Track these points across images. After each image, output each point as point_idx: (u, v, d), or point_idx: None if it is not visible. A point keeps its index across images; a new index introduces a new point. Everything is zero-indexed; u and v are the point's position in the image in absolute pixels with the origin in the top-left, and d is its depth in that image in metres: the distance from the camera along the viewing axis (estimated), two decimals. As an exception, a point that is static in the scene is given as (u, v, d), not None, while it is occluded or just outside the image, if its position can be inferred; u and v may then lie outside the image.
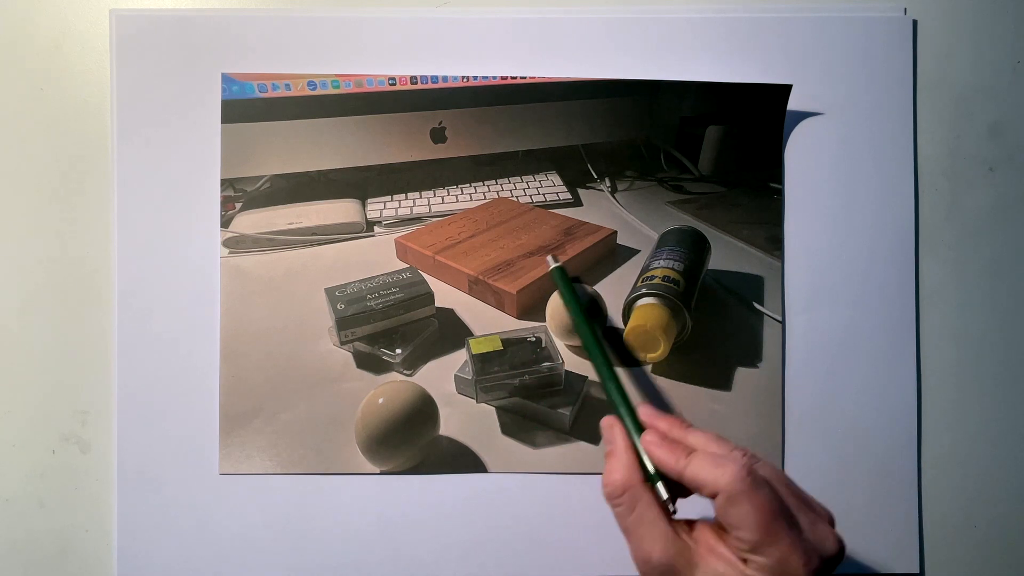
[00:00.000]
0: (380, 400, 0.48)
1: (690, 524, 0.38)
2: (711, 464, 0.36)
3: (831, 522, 0.37)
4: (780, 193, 0.53)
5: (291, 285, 0.53)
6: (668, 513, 0.38)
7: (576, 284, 0.51)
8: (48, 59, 0.52)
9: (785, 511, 0.35)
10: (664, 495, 0.38)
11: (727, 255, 0.54)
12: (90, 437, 0.51)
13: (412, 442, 0.49)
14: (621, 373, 0.45)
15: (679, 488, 0.38)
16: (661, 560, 0.36)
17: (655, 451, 0.39)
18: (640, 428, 0.41)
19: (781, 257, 0.52)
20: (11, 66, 0.52)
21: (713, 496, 0.35)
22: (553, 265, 0.50)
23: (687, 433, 0.40)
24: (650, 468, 0.39)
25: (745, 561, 0.34)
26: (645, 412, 0.42)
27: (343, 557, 0.50)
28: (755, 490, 0.34)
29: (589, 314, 0.51)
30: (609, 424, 0.42)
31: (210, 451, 0.50)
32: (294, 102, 0.52)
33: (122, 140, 0.51)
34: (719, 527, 0.36)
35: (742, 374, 0.52)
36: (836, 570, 0.35)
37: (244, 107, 0.51)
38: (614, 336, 0.52)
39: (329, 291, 0.53)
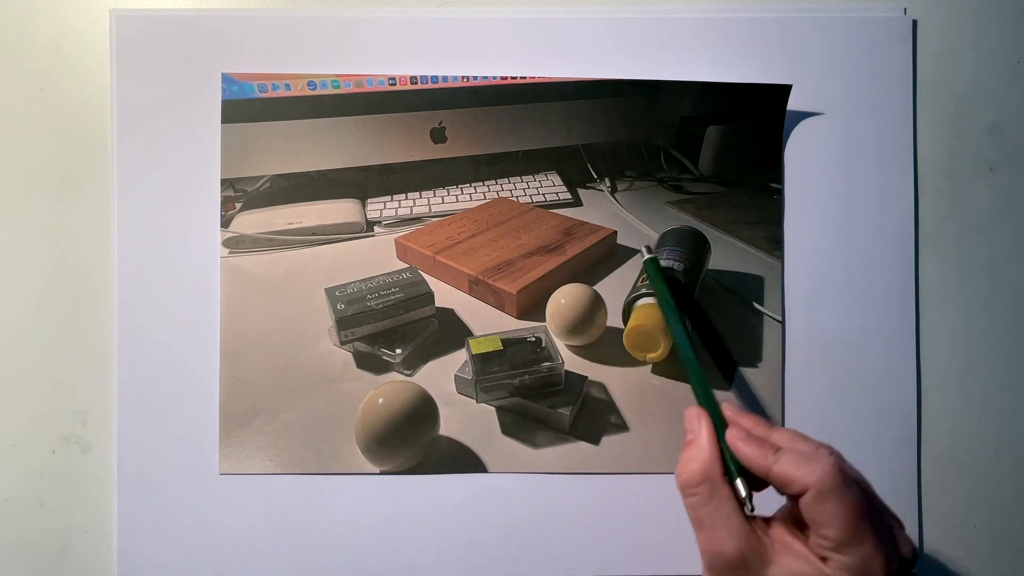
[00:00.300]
0: (380, 400, 0.48)
1: (766, 521, 0.38)
2: (801, 461, 0.36)
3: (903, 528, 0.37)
4: (780, 193, 0.53)
5: (291, 285, 0.53)
6: (744, 509, 0.38)
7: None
8: (48, 59, 0.52)
9: (872, 512, 0.35)
10: (744, 492, 0.38)
11: (727, 255, 0.54)
12: (90, 437, 0.51)
13: (412, 442, 0.49)
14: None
15: (755, 485, 0.38)
16: (734, 555, 0.36)
17: (742, 447, 0.38)
18: (722, 423, 0.41)
19: (781, 257, 0.52)
20: (11, 66, 0.52)
21: (800, 494, 0.35)
22: (647, 256, 0.50)
23: (771, 431, 0.40)
24: (731, 463, 0.39)
25: (825, 560, 0.34)
26: (730, 408, 0.42)
27: (343, 557, 0.50)
28: (846, 488, 0.34)
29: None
30: (696, 414, 0.41)
31: (210, 451, 0.50)
32: (294, 102, 0.52)
33: (122, 140, 0.51)
34: (795, 525, 0.36)
35: (742, 374, 0.52)
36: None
37: (244, 107, 0.51)
38: (616, 339, 0.52)
39: (329, 291, 0.53)
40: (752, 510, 0.38)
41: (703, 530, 0.37)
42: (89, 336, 0.51)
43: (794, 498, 0.36)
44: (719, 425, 0.41)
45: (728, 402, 0.42)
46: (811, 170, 0.53)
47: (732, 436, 0.39)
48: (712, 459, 0.39)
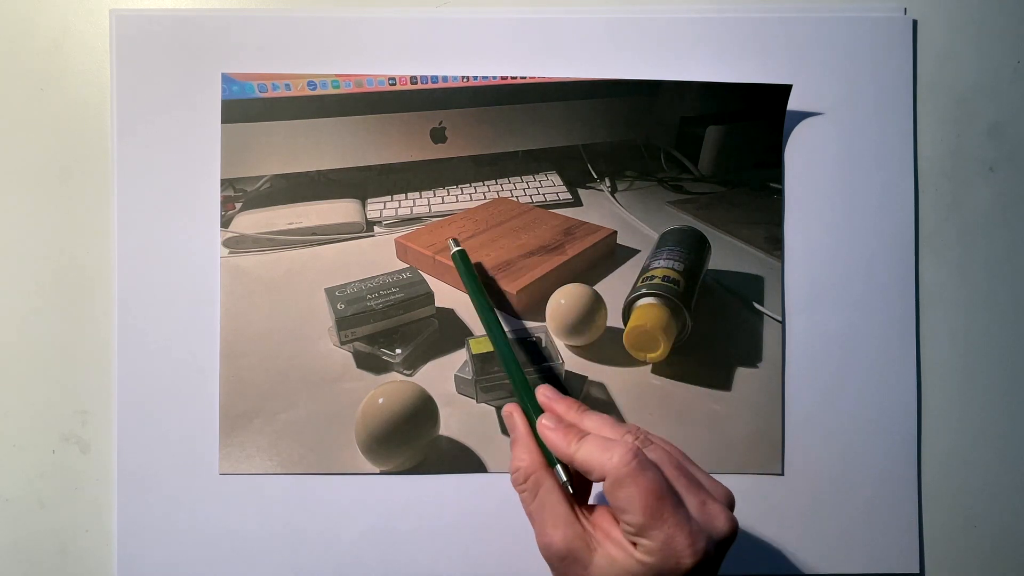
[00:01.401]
0: (380, 400, 0.48)
1: (590, 509, 0.38)
2: (600, 448, 0.36)
3: (730, 503, 0.37)
4: (780, 193, 0.53)
5: (291, 285, 0.53)
6: (571, 497, 0.38)
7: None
8: (48, 59, 0.52)
9: (671, 492, 0.35)
10: (563, 478, 0.38)
11: (727, 255, 0.54)
12: (90, 437, 0.51)
13: (412, 442, 0.49)
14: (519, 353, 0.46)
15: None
16: (561, 546, 0.36)
17: (549, 435, 0.39)
18: (539, 411, 0.41)
19: (781, 257, 0.52)
20: (11, 66, 0.52)
21: (602, 480, 0.35)
22: (455, 249, 0.51)
23: (583, 416, 0.40)
24: (549, 452, 0.39)
25: (635, 545, 0.34)
26: (543, 393, 0.42)
27: (343, 557, 0.50)
28: (640, 472, 0.34)
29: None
30: (508, 412, 0.43)
31: (210, 451, 0.50)
32: (294, 102, 0.52)
33: (122, 140, 0.51)
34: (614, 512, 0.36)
35: (742, 374, 0.52)
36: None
37: (244, 107, 0.51)
38: (618, 339, 0.52)
39: (329, 291, 0.53)
40: (573, 492, 0.38)
41: (535, 523, 0.38)
42: (89, 336, 0.51)
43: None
44: (535, 414, 0.41)
45: (544, 386, 0.43)
46: (811, 170, 0.53)
47: (542, 425, 0.40)
48: (531, 453, 0.40)
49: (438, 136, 0.54)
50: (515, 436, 0.42)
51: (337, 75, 0.52)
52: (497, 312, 0.48)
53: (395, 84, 0.52)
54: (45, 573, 0.51)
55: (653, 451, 0.37)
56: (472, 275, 0.49)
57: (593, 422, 0.39)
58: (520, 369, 0.44)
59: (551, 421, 0.40)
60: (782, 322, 0.52)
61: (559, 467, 0.39)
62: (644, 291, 0.51)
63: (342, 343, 0.52)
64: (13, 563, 0.51)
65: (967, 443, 0.52)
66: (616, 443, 0.36)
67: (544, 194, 0.57)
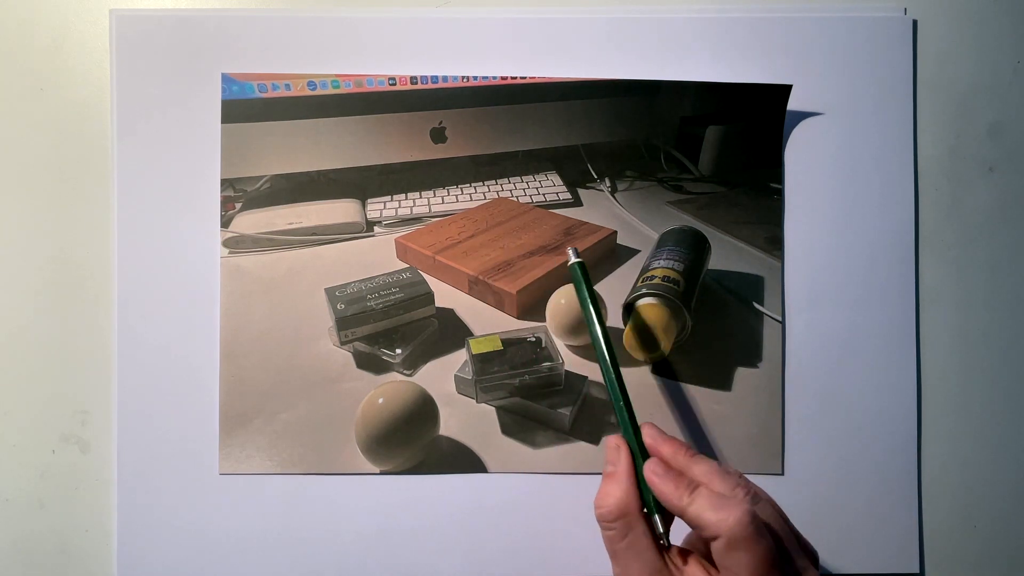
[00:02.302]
0: (380, 400, 0.48)
1: (683, 555, 0.38)
2: (714, 506, 0.35)
3: (815, 561, 0.37)
4: (780, 193, 0.53)
5: (291, 285, 0.53)
6: (659, 545, 0.38)
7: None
8: (48, 59, 0.52)
9: (782, 561, 0.35)
10: (660, 529, 0.38)
11: (727, 255, 0.54)
12: (90, 437, 0.51)
13: (412, 442, 0.49)
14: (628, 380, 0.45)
15: (672, 515, 0.38)
16: None
17: (658, 483, 0.38)
18: (644, 452, 0.40)
19: (781, 257, 0.52)
20: (11, 66, 0.52)
21: (713, 538, 0.35)
22: (574, 260, 0.47)
23: (691, 462, 0.39)
24: (649, 498, 0.39)
25: None
26: (649, 435, 0.41)
27: (343, 557, 0.50)
28: (756, 539, 0.34)
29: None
30: (616, 445, 0.41)
31: (210, 451, 0.50)
32: (294, 102, 0.52)
33: (122, 140, 0.51)
34: (710, 560, 0.36)
35: (742, 374, 0.52)
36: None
37: (244, 107, 0.51)
38: (615, 339, 0.52)
39: (329, 291, 0.53)
40: (668, 546, 0.38)
41: (617, 563, 0.38)
42: (89, 336, 0.51)
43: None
44: (640, 453, 0.40)
45: (649, 425, 0.42)
46: (811, 170, 0.53)
47: (649, 471, 0.39)
48: (629, 494, 0.39)
49: (438, 136, 0.54)
50: (614, 471, 0.40)
51: (337, 75, 0.52)
52: (611, 340, 0.44)
53: (395, 84, 0.52)
54: (45, 573, 0.51)
55: (763, 508, 0.36)
56: (590, 293, 0.45)
57: (702, 470, 0.38)
58: (630, 406, 0.42)
59: (660, 468, 0.39)
60: (782, 322, 0.52)
61: (657, 518, 0.38)
62: (644, 291, 0.51)
63: (342, 343, 0.52)
64: (13, 563, 0.51)
65: (967, 443, 0.52)
66: (731, 502, 0.35)
67: (544, 194, 0.57)
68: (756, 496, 0.37)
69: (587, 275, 0.46)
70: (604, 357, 0.43)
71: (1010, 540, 0.52)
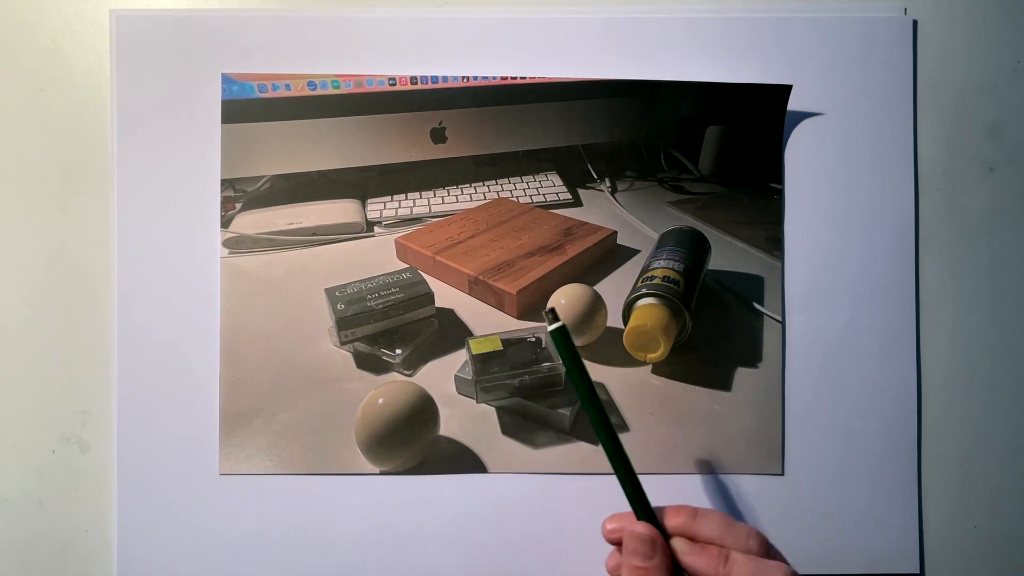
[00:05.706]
0: (380, 400, 0.48)
1: None
2: (754, 572, 0.37)
3: None
4: (780, 193, 0.53)
5: (291, 285, 0.53)
6: None
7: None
8: (48, 59, 0.52)
9: None
10: None
11: (727, 255, 0.54)
12: (90, 437, 0.51)
13: (412, 442, 0.49)
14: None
15: None
16: None
17: (692, 561, 0.39)
18: (660, 526, 0.41)
19: (781, 257, 0.52)
20: (11, 66, 0.52)
21: None
22: (553, 325, 0.39)
23: (697, 522, 0.40)
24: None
25: None
26: (662, 512, 0.42)
27: (343, 557, 0.50)
28: None
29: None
30: (650, 539, 0.40)
31: (210, 451, 0.50)
32: (294, 102, 0.52)
33: (122, 140, 0.51)
34: None
35: (742, 374, 0.52)
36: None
37: (244, 107, 0.51)
38: (615, 345, 0.52)
39: (329, 291, 0.53)
40: None
41: None
42: (89, 336, 0.51)
43: None
44: (658, 527, 0.41)
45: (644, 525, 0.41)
46: (811, 170, 0.53)
47: (680, 551, 0.40)
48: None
49: (438, 136, 0.54)
50: (648, 566, 0.39)
51: (337, 75, 0.52)
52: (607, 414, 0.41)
53: (395, 84, 0.52)
54: (45, 573, 0.51)
55: (776, 555, 0.39)
56: (577, 365, 0.40)
57: (710, 525, 0.40)
58: (638, 482, 0.41)
59: (685, 545, 0.40)
60: (782, 322, 0.52)
61: None
62: (644, 291, 0.51)
63: (342, 343, 0.52)
64: (13, 563, 0.51)
65: (967, 443, 0.52)
66: (769, 566, 0.37)
67: (544, 194, 0.57)
68: (769, 546, 0.39)
69: (570, 341, 0.40)
70: (606, 442, 0.41)
71: (1010, 540, 0.52)
